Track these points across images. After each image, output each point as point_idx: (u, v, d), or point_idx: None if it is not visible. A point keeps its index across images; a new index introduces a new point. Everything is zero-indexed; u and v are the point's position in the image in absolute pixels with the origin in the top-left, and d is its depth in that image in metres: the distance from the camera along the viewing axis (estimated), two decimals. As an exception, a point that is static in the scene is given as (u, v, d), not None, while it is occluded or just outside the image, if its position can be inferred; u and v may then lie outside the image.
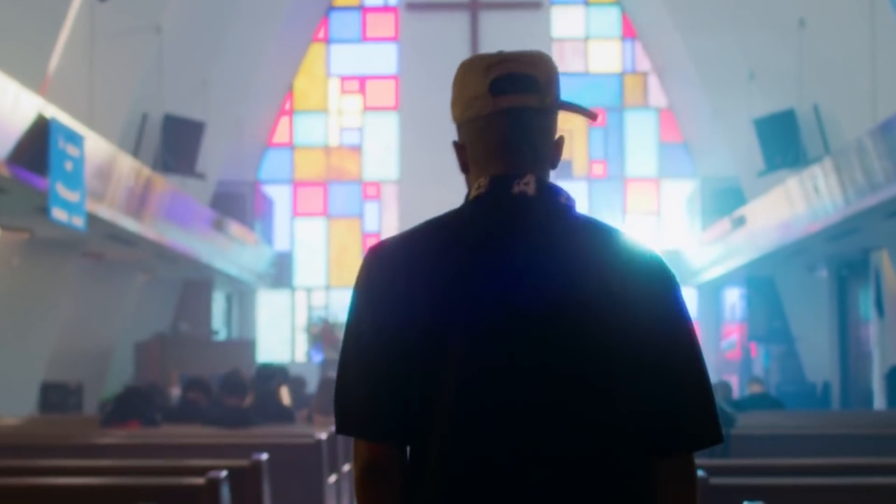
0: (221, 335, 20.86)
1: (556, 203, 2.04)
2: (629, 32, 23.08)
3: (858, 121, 13.22)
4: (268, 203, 22.51)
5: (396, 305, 1.97)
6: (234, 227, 17.72)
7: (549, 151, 2.08)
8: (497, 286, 1.96)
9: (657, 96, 23.10)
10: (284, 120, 23.37)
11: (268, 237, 22.10)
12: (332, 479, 7.92)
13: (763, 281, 18.89)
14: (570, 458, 1.92)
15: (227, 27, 18.06)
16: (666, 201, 23.11)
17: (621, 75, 23.21)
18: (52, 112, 9.64)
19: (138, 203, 12.66)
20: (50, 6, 11.65)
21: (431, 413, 1.95)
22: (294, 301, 23.17)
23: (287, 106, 23.34)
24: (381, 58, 23.29)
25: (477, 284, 1.96)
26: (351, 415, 1.99)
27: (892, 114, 10.79)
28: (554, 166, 2.10)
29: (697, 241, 20.34)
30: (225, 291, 21.82)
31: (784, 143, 16.03)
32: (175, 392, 13.53)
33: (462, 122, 2.09)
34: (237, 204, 20.23)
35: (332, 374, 6.10)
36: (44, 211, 9.59)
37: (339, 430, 2.03)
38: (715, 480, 4.79)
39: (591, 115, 2.10)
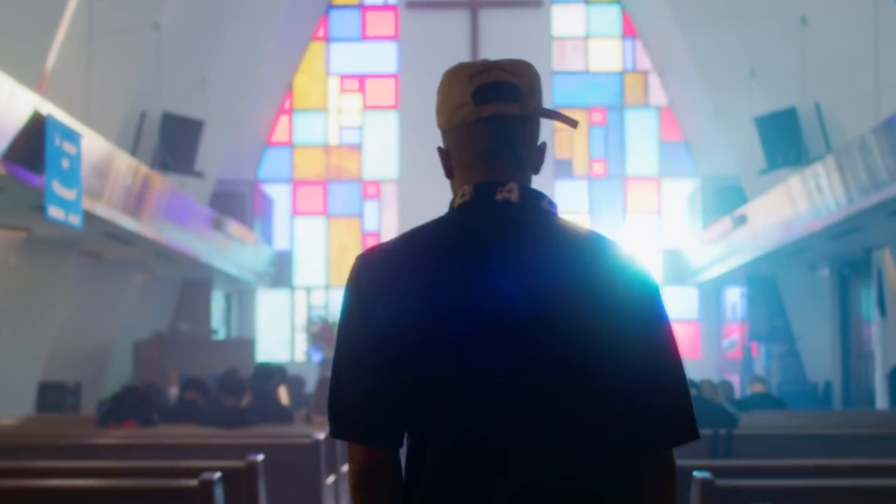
0: (220, 335, 20.80)
1: (539, 209, 2.09)
2: (629, 31, 23.02)
3: (861, 118, 13.14)
4: (267, 202, 22.47)
5: (387, 311, 2.01)
6: (234, 226, 17.66)
7: (532, 158, 2.14)
8: (485, 291, 2.00)
9: (658, 95, 23.05)
10: (284, 118, 23.33)
11: (267, 236, 22.06)
12: (331, 479, 7.86)
13: (764, 280, 18.81)
14: (560, 459, 1.97)
15: (227, 25, 18.00)
16: (667, 200, 23.06)
17: (622, 74, 23.14)
18: (48, 109, 9.57)
19: (136, 202, 12.59)
20: (47, 3, 11.58)
21: (424, 416, 2.00)
22: (293, 300, 23.13)
23: (286, 104, 23.29)
24: (381, 56, 23.25)
25: (465, 290, 2.00)
26: (344, 419, 2.03)
27: (895, 111, 10.73)
28: (536, 171, 2.16)
29: (698, 240, 20.28)
30: (224, 291, 21.77)
31: (785, 141, 15.95)
32: (173, 392, 13.48)
33: (447, 130, 2.14)
34: (236, 203, 20.21)
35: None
36: (40, 209, 9.52)
37: (334, 434, 2.06)
38: (721, 482, 4.73)
39: (571, 123, 2.14)
